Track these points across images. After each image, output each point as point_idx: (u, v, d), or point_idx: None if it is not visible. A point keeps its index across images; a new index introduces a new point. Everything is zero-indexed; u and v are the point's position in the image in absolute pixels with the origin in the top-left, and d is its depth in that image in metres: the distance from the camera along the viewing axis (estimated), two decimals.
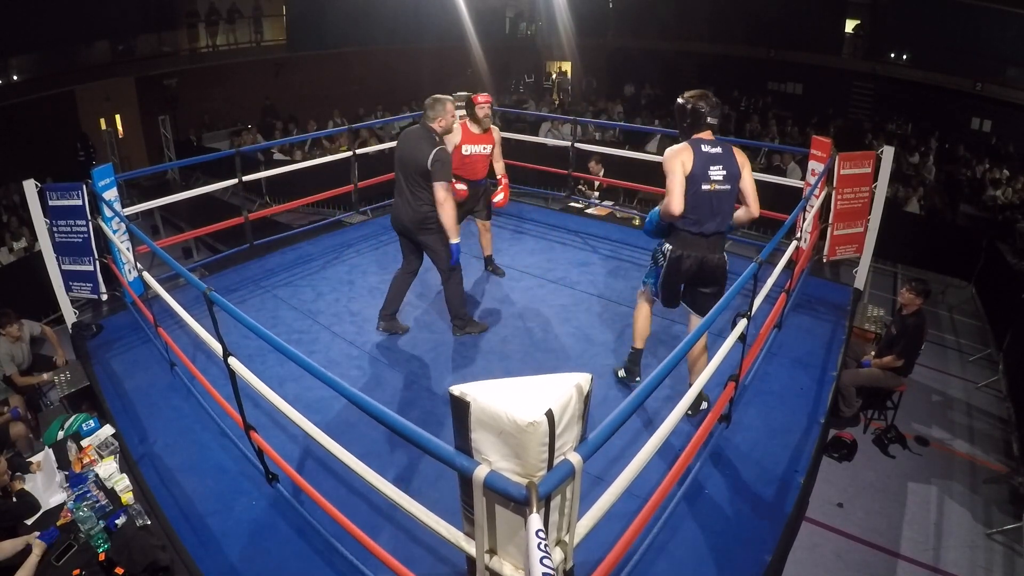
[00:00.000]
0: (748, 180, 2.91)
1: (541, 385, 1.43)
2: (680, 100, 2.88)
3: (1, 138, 9.93)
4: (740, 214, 2.97)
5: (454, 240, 3.56)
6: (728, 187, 2.83)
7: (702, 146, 2.80)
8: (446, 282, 3.78)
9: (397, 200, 3.64)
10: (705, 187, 2.79)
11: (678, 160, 2.78)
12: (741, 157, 2.89)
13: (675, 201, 2.77)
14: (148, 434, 3.19)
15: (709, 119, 2.82)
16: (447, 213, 3.48)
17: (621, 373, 3.48)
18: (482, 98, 4.28)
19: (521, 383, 1.45)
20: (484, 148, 4.32)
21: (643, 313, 3.26)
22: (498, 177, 4.48)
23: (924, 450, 4.76)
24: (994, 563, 3.81)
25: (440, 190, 3.42)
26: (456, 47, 14.13)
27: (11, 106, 9.88)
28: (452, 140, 4.15)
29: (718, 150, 2.82)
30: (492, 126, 4.36)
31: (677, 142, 2.89)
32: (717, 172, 2.80)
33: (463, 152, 4.23)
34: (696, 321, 3.06)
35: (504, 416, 1.35)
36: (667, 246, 2.96)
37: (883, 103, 13.19)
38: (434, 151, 3.38)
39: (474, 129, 4.28)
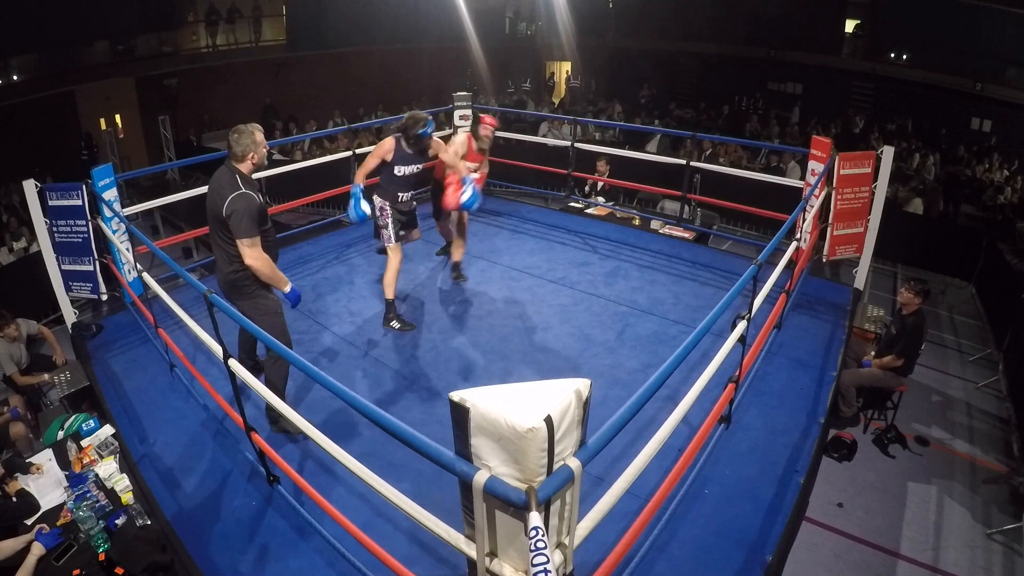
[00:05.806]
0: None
1: (540, 391, 1.43)
2: (421, 114, 3.77)
3: (1, 138, 9.93)
4: None
5: (285, 289, 2.91)
6: None
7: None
8: (268, 366, 3.00)
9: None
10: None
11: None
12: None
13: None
14: (148, 434, 3.19)
15: None
16: (264, 272, 2.81)
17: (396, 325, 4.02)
18: (489, 120, 4.48)
19: (520, 389, 1.45)
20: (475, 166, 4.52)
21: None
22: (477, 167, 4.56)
23: (924, 450, 4.76)
24: (994, 563, 3.81)
25: (244, 248, 2.72)
26: (456, 47, 14.12)
27: (11, 106, 9.88)
28: (459, 150, 4.28)
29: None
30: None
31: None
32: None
33: (469, 167, 4.38)
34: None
35: (503, 422, 1.35)
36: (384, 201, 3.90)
37: (883, 103, 13.18)
38: (231, 197, 2.70)
39: (474, 146, 4.45)
